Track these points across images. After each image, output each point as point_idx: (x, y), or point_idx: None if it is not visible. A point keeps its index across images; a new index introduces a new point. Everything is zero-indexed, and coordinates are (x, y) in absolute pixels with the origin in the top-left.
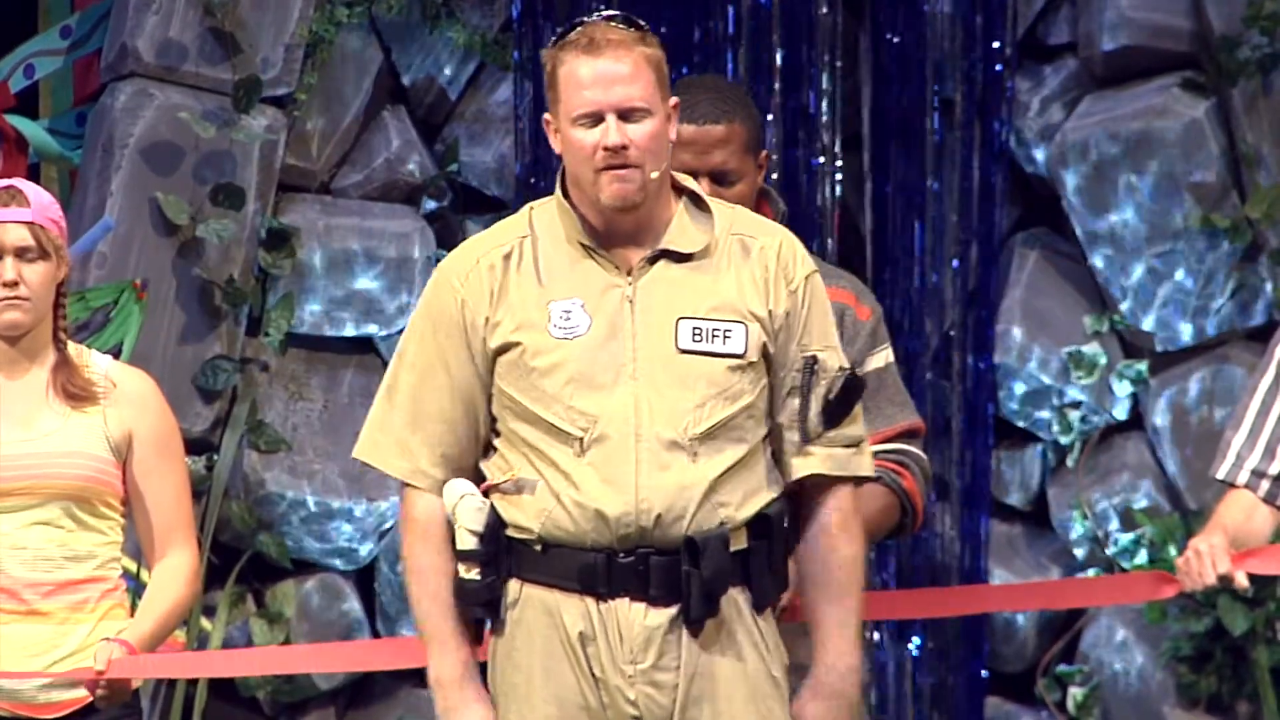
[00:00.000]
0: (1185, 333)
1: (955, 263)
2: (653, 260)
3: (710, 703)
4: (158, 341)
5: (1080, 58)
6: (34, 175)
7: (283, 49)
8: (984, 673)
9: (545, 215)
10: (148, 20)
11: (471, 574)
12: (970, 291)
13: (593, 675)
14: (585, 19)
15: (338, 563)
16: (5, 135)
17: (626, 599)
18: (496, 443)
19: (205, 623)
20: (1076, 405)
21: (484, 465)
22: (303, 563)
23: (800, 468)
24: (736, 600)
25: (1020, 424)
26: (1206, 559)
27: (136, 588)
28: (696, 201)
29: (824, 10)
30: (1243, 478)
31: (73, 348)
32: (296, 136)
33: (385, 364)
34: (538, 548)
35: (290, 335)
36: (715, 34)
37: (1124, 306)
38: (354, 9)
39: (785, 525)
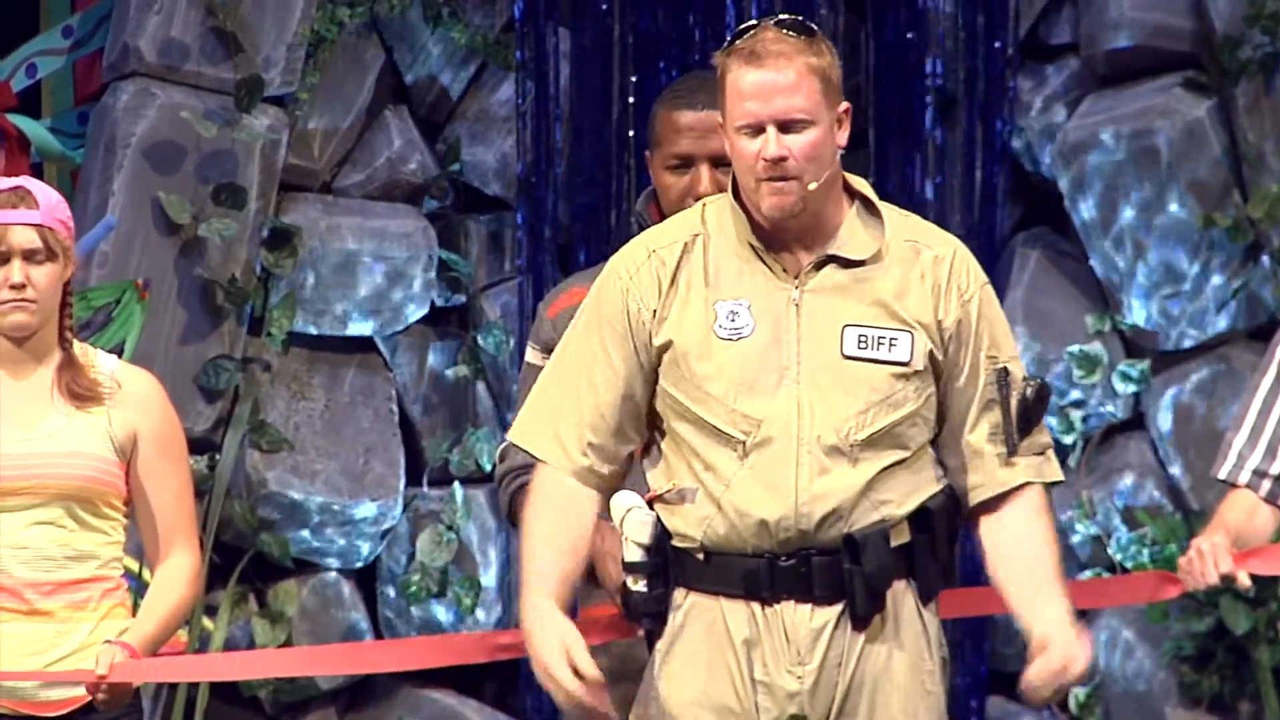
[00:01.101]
0: (1187, 332)
1: None
2: (820, 265)
3: (871, 696)
4: (159, 341)
5: (1082, 57)
6: (36, 175)
7: (284, 48)
8: (985, 671)
9: (717, 213)
10: (149, 20)
11: (639, 585)
12: None
13: (753, 679)
14: (756, 22)
15: (339, 562)
16: (7, 135)
17: (791, 601)
18: (661, 446)
19: (207, 622)
20: (1078, 405)
21: (649, 473)
22: (304, 562)
23: (1008, 479)
24: (902, 594)
25: None
26: (1209, 558)
27: (138, 587)
28: (868, 206)
29: (825, 9)
30: (1244, 478)
31: (78, 347)
32: (298, 136)
33: (387, 364)
34: (700, 555)
35: (292, 335)
36: (716, 33)
37: (1126, 306)
38: (356, 9)
39: (949, 519)
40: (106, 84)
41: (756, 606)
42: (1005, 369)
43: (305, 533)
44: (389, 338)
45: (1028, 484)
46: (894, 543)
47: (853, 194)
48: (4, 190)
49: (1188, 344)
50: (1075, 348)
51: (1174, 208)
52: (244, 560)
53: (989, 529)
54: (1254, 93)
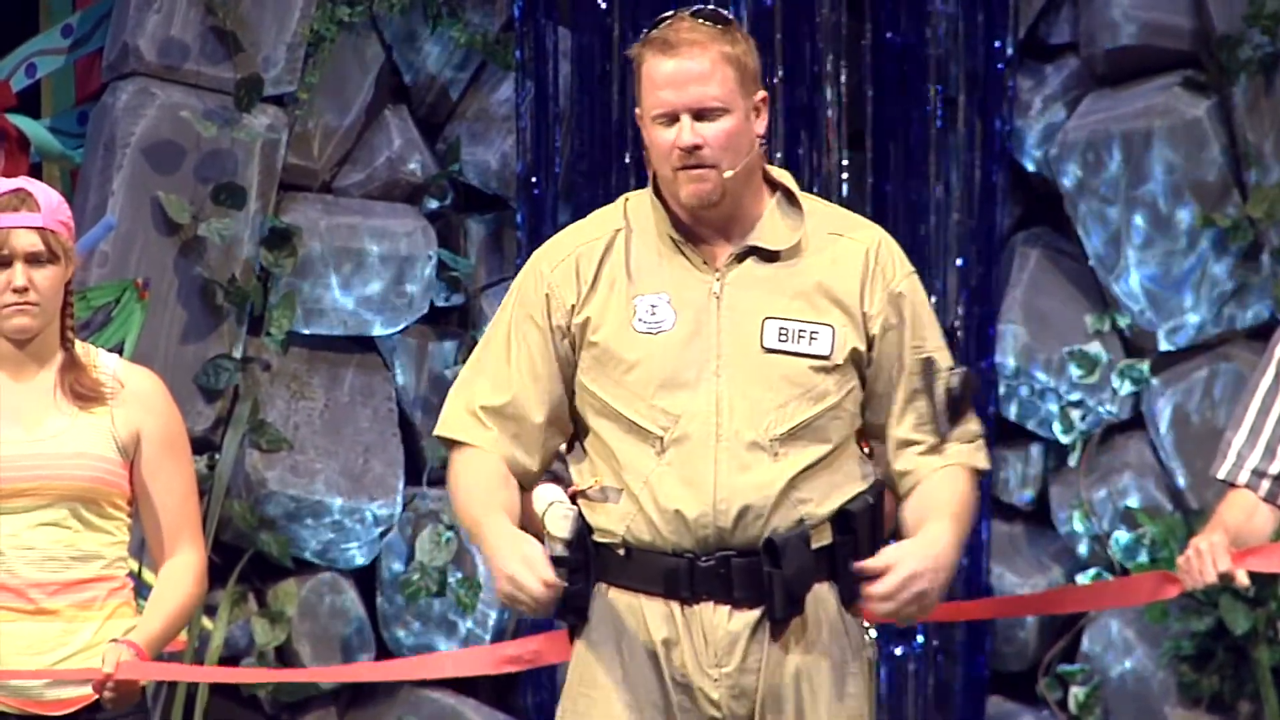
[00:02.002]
0: (1186, 332)
1: (957, 262)
2: (741, 257)
3: (793, 702)
4: (159, 341)
5: (1081, 57)
6: (35, 174)
7: (284, 48)
8: (985, 671)
9: (638, 207)
10: (149, 19)
11: (561, 580)
12: (971, 290)
13: (674, 679)
14: (671, 14)
15: (339, 562)
16: (7, 134)
17: (710, 602)
18: (583, 443)
19: (206, 622)
20: (1078, 404)
21: (573, 469)
22: (304, 562)
23: (928, 466)
24: (824, 597)
25: (1021, 423)
26: (1207, 558)
27: (137, 586)
28: (789, 198)
29: (826, 9)
30: (1243, 477)
31: (80, 347)
32: (298, 135)
33: (386, 363)
34: (621, 552)
35: (291, 334)
36: None
37: (1125, 305)
38: (356, 8)
39: (872, 520)
40: (106, 83)
41: (676, 606)
42: (931, 358)
43: (305, 532)
44: (389, 337)
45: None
46: (815, 544)
47: (774, 185)
48: (6, 193)
49: (1187, 344)
50: (1075, 347)
51: (1173, 207)
52: (243, 560)
53: (910, 499)
54: (1253, 92)
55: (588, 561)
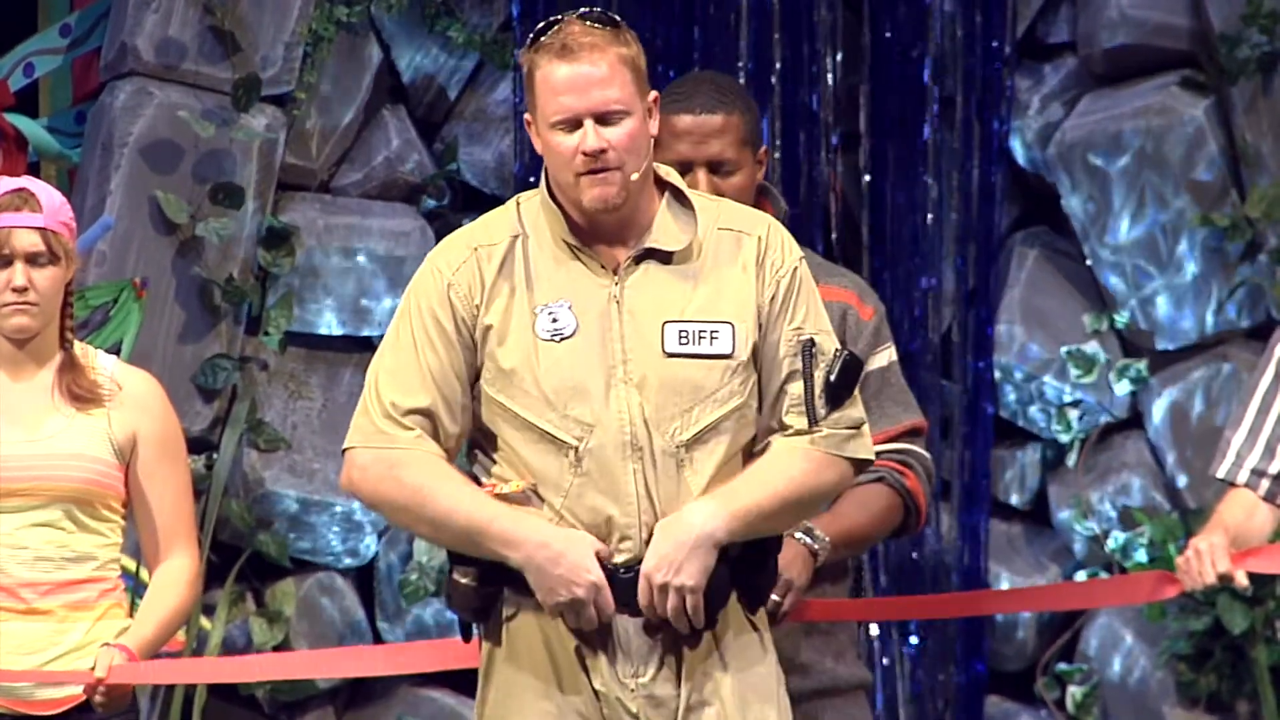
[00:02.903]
0: (1185, 331)
1: (955, 261)
2: (639, 260)
3: (711, 709)
4: (157, 340)
5: (1080, 56)
6: (33, 174)
7: (282, 48)
8: (983, 671)
9: (532, 212)
10: (147, 19)
11: (467, 579)
12: (970, 290)
13: (593, 689)
14: (560, 17)
15: (337, 562)
16: (5, 134)
17: (626, 614)
18: (495, 453)
19: (204, 622)
20: (1076, 404)
21: (480, 475)
22: (302, 562)
23: (793, 444)
24: (731, 605)
25: (1019, 423)
26: (1206, 558)
27: (136, 587)
28: (680, 198)
29: (825, 9)
30: (1243, 476)
31: (78, 347)
32: (296, 135)
33: None
34: None
35: (289, 334)
36: (716, 32)
37: (1123, 305)
38: (354, 8)
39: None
40: (104, 83)
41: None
42: (811, 340)
43: (303, 532)
44: None
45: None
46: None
47: (663, 186)
48: (8, 192)
49: (1185, 343)
50: (1073, 347)
51: (1172, 207)
52: (241, 559)
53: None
54: (1252, 92)
55: (496, 564)
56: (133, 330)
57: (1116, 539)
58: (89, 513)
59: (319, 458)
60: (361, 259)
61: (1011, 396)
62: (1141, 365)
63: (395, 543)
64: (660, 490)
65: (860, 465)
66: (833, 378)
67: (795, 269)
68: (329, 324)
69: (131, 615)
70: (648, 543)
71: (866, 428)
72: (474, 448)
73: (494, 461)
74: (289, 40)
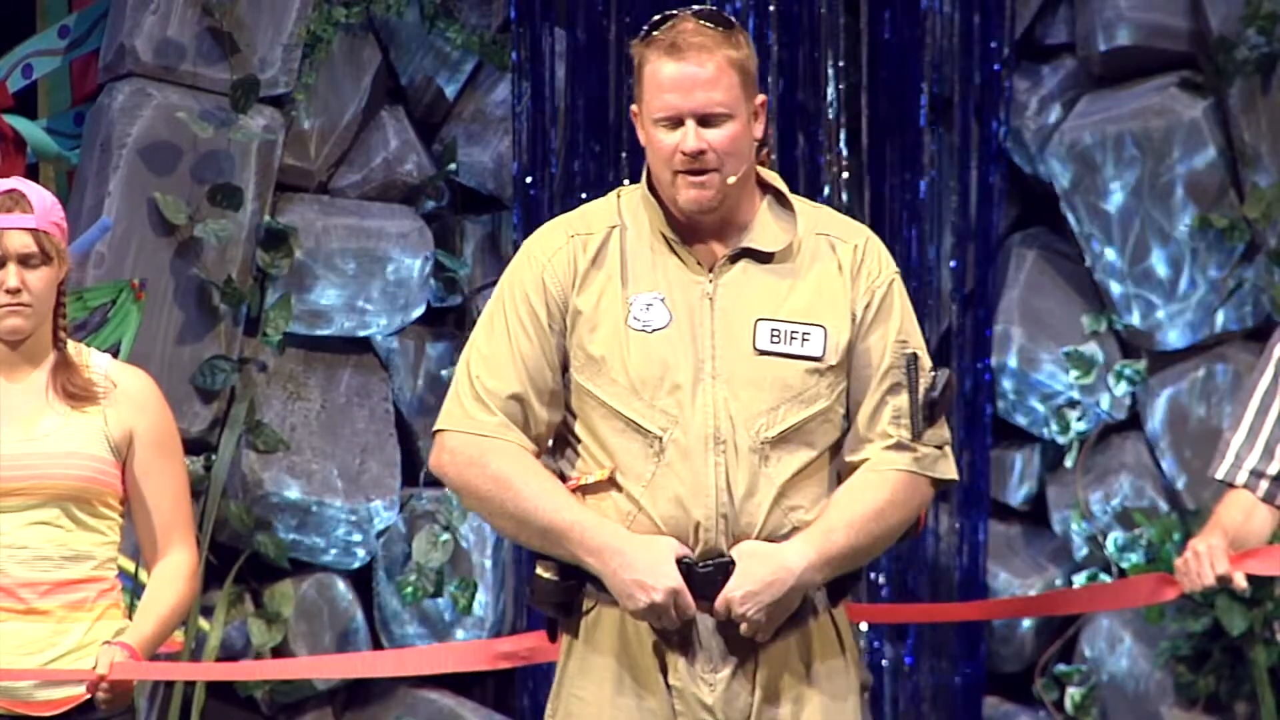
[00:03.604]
0: (1183, 332)
1: (953, 263)
2: (734, 259)
3: (787, 704)
4: (156, 341)
5: (1078, 57)
6: (32, 175)
7: (281, 49)
8: (982, 672)
9: (632, 204)
10: (146, 20)
11: (549, 574)
12: (968, 291)
13: (668, 684)
14: (674, 12)
15: (336, 563)
16: (3, 135)
17: (703, 607)
18: (579, 443)
19: (203, 623)
20: (1074, 405)
21: (564, 466)
22: (300, 563)
23: (890, 463)
24: (812, 598)
25: (1018, 424)
26: (1205, 560)
27: (134, 587)
28: (780, 199)
29: (824, 10)
30: (1241, 478)
31: (72, 347)
32: (294, 136)
33: (383, 364)
34: None
35: (288, 335)
36: None
37: (1122, 306)
38: (352, 9)
39: None
40: (103, 84)
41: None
42: (915, 354)
43: (301, 533)
44: (385, 338)
45: (899, 471)
46: None
47: (765, 187)
48: None
49: (1184, 344)
50: (1071, 348)
51: (1170, 208)
52: (240, 560)
53: (839, 490)
54: (1250, 93)
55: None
56: (131, 331)
57: (1115, 540)
58: (87, 510)
59: (318, 459)
60: (360, 260)
61: (1010, 397)
62: (1140, 366)
63: (394, 544)
64: (740, 486)
65: (941, 485)
66: (935, 394)
67: (892, 281)
68: (327, 325)
69: (129, 616)
70: (724, 534)
71: (950, 448)
72: (557, 442)
73: (578, 455)
74: (287, 41)
